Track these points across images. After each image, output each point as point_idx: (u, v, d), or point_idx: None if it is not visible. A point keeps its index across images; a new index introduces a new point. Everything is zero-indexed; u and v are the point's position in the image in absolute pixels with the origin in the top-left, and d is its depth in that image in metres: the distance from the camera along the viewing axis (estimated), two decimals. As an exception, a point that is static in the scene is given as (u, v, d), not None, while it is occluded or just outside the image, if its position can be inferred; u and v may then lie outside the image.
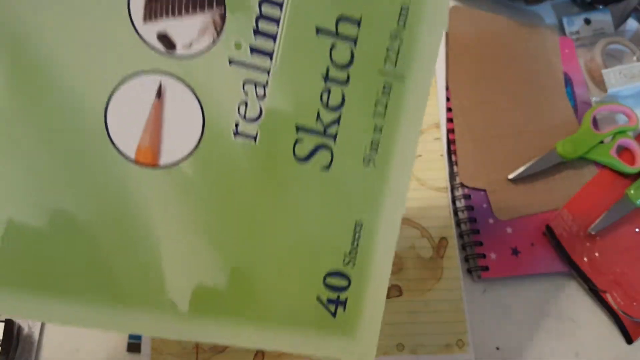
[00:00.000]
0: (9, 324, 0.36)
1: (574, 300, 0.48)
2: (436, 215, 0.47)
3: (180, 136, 0.28)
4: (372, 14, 0.29)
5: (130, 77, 0.27)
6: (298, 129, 0.29)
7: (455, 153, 0.49)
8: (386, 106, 0.30)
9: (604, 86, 0.56)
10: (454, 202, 0.48)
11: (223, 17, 0.28)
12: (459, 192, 0.48)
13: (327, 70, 0.29)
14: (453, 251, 0.46)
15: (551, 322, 0.47)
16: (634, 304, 0.47)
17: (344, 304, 0.30)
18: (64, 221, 0.27)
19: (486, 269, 0.46)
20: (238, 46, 0.28)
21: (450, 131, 0.50)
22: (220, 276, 0.29)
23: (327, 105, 0.29)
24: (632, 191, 0.49)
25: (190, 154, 0.28)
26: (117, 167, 0.28)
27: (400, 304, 0.43)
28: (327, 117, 0.29)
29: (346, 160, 0.30)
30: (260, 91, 0.29)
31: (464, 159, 0.49)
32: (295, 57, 0.29)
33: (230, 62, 0.28)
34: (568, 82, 0.56)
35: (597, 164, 0.52)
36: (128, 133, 0.28)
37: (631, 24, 0.61)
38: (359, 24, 0.29)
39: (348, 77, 0.29)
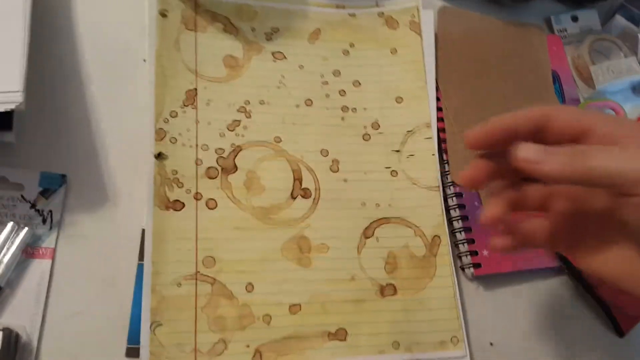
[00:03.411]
0: (6, 331, 0.36)
1: (566, 294, 0.49)
2: (429, 213, 0.47)
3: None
4: None
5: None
6: None
7: (446, 152, 0.50)
8: None
9: (592, 83, 0.56)
10: (445, 200, 0.49)
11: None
12: (450, 191, 0.49)
13: None
14: (446, 249, 0.46)
15: (544, 316, 0.47)
16: (625, 297, 0.47)
17: None
18: None
19: (479, 266, 0.46)
20: None
21: (441, 130, 0.50)
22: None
23: None
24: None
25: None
26: None
27: (395, 302, 0.44)
28: None
29: None
30: None
31: (455, 158, 0.49)
32: None
33: None
34: (556, 79, 0.57)
35: (586, 159, 0.53)
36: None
37: (618, 20, 0.62)
38: None
39: None
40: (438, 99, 0.51)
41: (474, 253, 0.47)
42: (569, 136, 0.30)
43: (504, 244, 0.36)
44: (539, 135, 0.31)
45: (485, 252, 0.47)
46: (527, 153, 0.29)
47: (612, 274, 0.32)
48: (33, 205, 0.39)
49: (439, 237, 0.47)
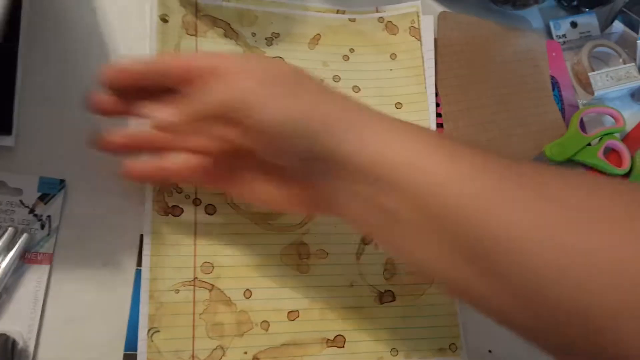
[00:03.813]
0: (3, 338, 0.36)
1: (565, 301, 0.49)
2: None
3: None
4: None
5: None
6: None
7: (445, 158, 0.50)
8: None
9: (590, 89, 0.56)
10: (445, 206, 0.48)
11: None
12: (450, 197, 0.48)
13: None
14: (445, 255, 0.46)
15: (542, 324, 0.47)
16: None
17: None
18: None
19: (478, 272, 0.46)
20: None
21: (440, 136, 0.50)
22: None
23: None
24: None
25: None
26: None
27: (394, 309, 0.44)
28: None
29: None
30: None
31: (455, 164, 0.49)
32: None
33: None
34: (555, 85, 0.57)
35: (584, 166, 0.53)
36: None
37: (617, 26, 0.62)
38: None
39: None
40: (437, 105, 0.51)
41: (472, 259, 0.46)
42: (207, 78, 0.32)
43: (141, 170, 0.37)
44: (186, 82, 0.33)
45: (484, 259, 0.47)
46: (144, 110, 0.33)
47: (266, 204, 0.37)
48: (32, 210, 0.39)
49: (438, 243, 0.47)
